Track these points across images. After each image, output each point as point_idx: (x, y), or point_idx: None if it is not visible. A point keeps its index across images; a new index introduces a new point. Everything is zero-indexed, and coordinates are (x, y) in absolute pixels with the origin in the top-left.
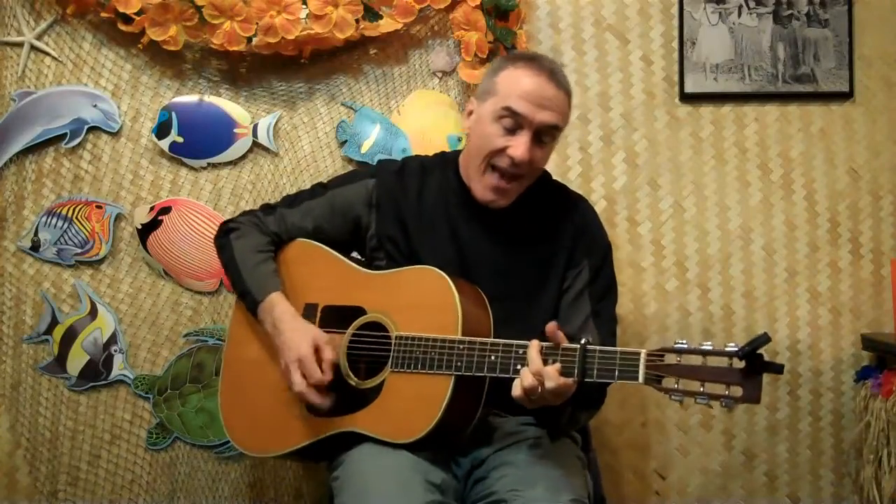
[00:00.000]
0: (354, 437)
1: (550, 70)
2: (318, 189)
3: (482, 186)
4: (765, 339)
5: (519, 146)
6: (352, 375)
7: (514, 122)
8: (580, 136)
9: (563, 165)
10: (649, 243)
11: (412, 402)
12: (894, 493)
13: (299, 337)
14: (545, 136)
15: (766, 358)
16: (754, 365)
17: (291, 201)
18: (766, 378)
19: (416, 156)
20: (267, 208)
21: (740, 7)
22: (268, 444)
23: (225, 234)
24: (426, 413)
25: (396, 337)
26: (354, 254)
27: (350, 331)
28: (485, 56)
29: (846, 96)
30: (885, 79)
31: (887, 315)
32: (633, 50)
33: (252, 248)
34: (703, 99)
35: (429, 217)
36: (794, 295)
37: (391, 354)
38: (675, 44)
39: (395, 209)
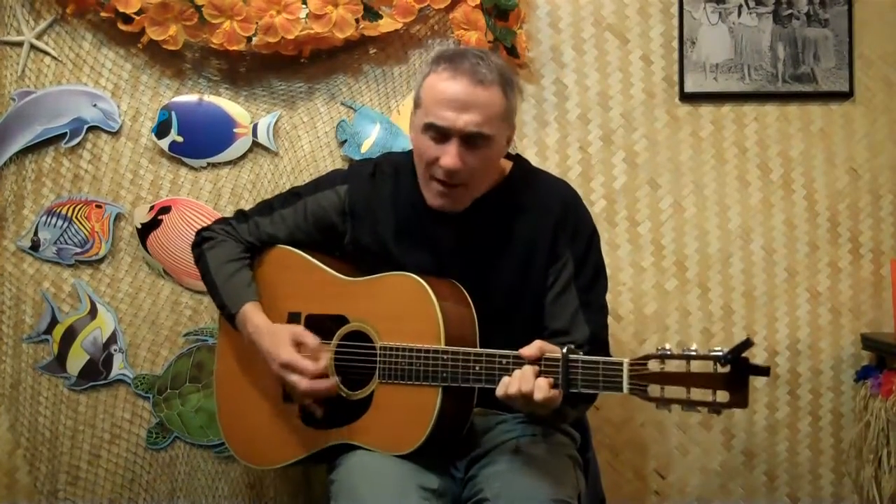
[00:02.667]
0: (350, 447)
1: (471, 69)
2: (291, 197)
3: (430, 195)
4: (748, 343)
5: (448, 156)
6: (342, 387)
7: (439, 133)
8: (580, 135)
9: (564, 165)
10: (649, 243)
11: (402, 414)
12: (894, 492)
13: (277, 342)
14: (476, 139)
15: (752, 361)
16: (740, 369)
17: (264, 209)
18: (766, 378)
19: (388, 154)
20: (241, 216)
21: (740, 7)
22: (267, 458)
23: (199, 245)
24: (417, 425)
25: (381, 347)
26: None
27: (335, 341)
28: None
29: (846, 96)
30: (885, 78)
31: (887, 315)
32: (633, 49)
33: (226, 259)
34: (702, 98)
35: (404, 223)
36: (793, 294)
37: (377, 366)
38: (675, 43)
39: (371, 217)
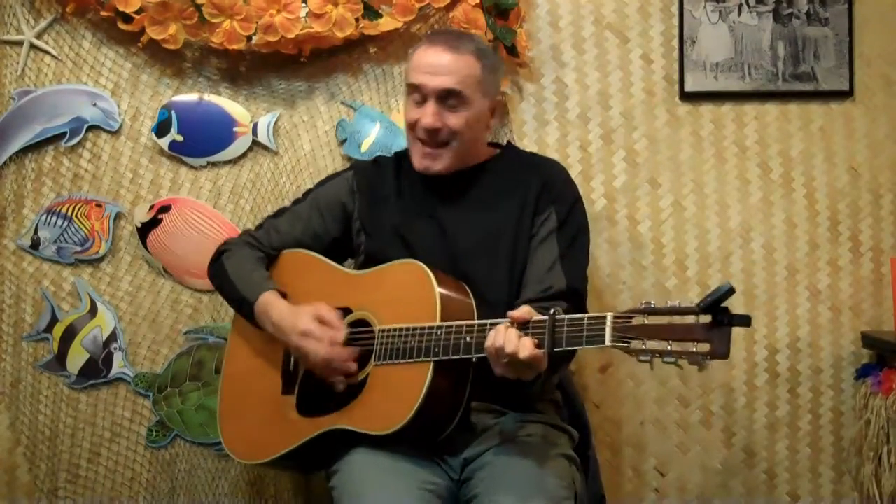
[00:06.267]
0: (342, 435)
1: (446, 39)
2: (301, 197)
3: (416, 158)
4: (727, 289)
5: (425, 115)
6: None
7: (419, 95)
8: (580, 134)
9: (564, 164)
10: (649, 242)
11: (394, 391)
12: (894, 490)
13: (299, 315)
14: (450, 99)
15: (732, 311)
16: (720, 318)
17: (277, 213)
18: (766, 376)
19: (386, 153)
20: (258, 225)
21: (740, 5)
22: (261, 451)
23: (217, 258)
24: (407, 400)
25: (379, 330)
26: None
27: None
28: None
29: (846, 95)
30: (886, 77)
31: (887, 313)
32: (633, 48)
33: (243, 261)
34: (703, 97)
35: (407, 199)
36: (794, 293)
37: (374, 348)
38: (675, 42)
39: (375, 192)
